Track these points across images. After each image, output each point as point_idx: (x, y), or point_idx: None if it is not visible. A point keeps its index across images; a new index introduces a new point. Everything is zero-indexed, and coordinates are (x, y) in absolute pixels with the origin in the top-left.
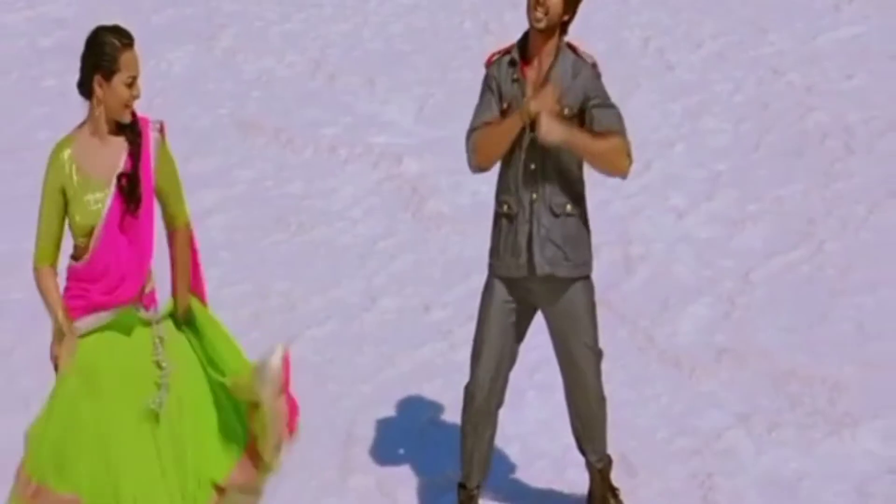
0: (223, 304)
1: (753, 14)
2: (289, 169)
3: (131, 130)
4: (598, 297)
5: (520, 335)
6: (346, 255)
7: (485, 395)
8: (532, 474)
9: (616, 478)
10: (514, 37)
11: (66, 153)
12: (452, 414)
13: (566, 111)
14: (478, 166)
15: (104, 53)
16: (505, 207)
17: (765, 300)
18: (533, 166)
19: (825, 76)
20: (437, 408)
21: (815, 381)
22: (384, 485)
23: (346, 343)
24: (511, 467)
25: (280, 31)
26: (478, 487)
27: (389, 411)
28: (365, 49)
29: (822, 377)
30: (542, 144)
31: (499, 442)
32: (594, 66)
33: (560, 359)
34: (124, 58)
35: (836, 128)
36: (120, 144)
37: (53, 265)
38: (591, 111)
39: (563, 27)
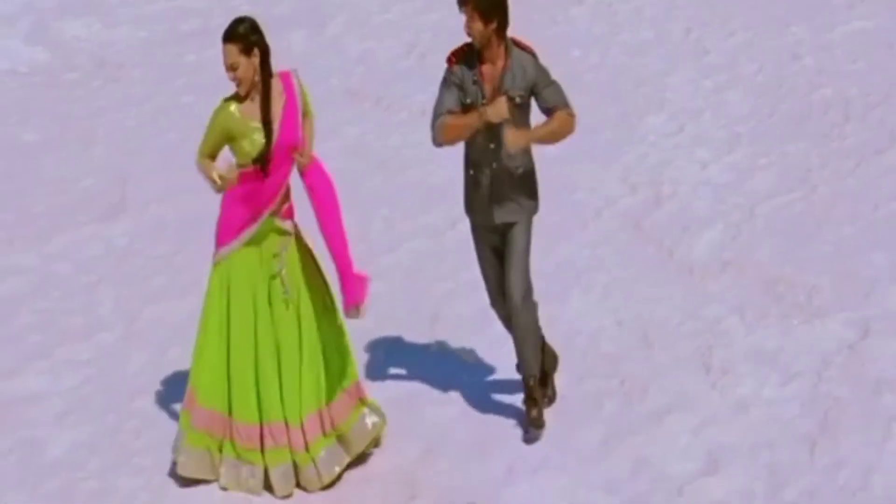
0: None
1: (780, 10)
2: (387, 127)
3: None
4: (632, 223)
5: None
6: (432, 191)
7: (500, 305)
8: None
9: (634, 348)
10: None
11: (233, 106)
12: None
13: (518, 99)
14: (440, 145)
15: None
16: (472, 172)
17: (764, 228)
18: (492, 145)
19: (834, 60)
20: None
21: (797, 285)
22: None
23: (433, 255)
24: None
25: (380, 20)
26: (534, 377)
27: (465, 305)
28: (450, 34)
29: (803, 283)
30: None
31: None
32: (534, 55)
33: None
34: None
35: (838, 101)
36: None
37: None
38: (539, 94)
39: (500, 31)
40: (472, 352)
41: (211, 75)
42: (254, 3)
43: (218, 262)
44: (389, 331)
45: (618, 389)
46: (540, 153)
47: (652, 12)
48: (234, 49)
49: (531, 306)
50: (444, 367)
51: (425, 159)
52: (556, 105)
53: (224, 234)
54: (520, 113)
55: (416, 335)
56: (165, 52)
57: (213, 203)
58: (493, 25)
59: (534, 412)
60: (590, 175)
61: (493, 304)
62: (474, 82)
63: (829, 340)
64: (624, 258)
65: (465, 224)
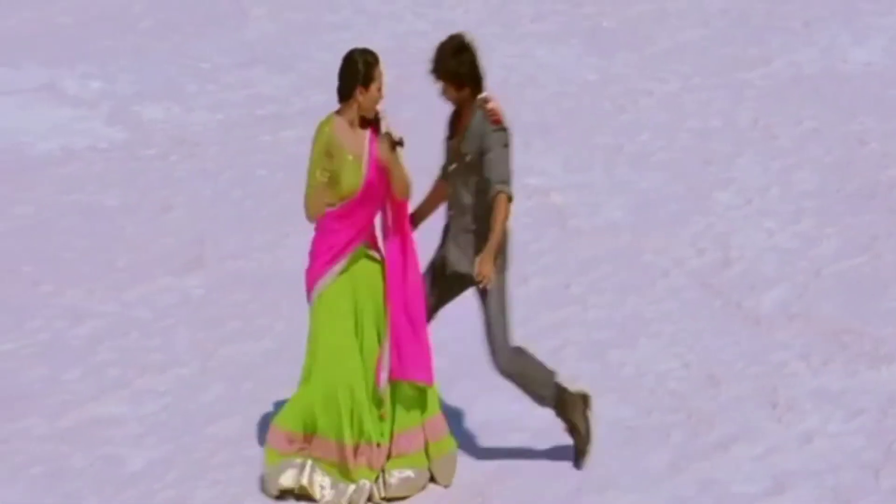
0: None
1: (846, 102)
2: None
3: (374, 121)
4: (699, 282)
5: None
6: None
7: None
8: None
9: (700, 387)
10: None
11: (327, 128)
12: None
13: (468, 157)
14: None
15: (361, 69)
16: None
17: (831, 287)
18: (451, 192)
19: None
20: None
21: (863, 336)
22: None
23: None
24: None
25: None
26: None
27: (536, 347)
28: (522, 123)
29: (869, 334)
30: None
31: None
32: (495, 122)
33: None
34: (377, 71)
35: None
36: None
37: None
38: (484, 160)
39: (474, 94)
40: None
41: (286, 154)
42: (329, 93)
43: (319, 295)
44: (465, 369)
45: (685, 422)
46: (604, 222)
47: (720, 104)
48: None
49: (517, 360)
50: (518, 401)
51: None
52: (488, 178)
53: (318, 266)
54: (468, 170)
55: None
56: (241, 133)
57: (287, 259)
58: (466, 91)
59: (576, 440)
60: (657, 241)
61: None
62: (448, 138)
63: (895, 384)
64: (691, 311)
65: (536, 279)
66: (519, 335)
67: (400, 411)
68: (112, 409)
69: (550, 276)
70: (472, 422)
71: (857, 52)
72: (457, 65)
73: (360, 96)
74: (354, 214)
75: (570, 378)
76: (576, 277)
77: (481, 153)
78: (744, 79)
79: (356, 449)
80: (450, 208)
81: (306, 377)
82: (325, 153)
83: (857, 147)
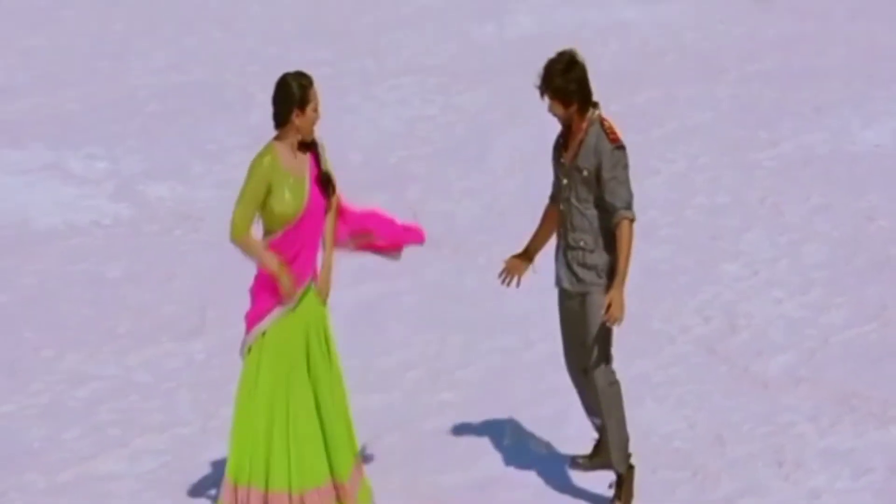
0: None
1: (855, 181)
2: (465, 269)
3: (313, 146)
4: (706, 348)
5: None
6: (507, 319)
7: (569, 366)
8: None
9: (706, 445)
10: None
11: (267, 159)
12: None
13: (585, 172)
14: None
15: (296, 91)
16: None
17: (839, 353)
18: (562, 208)
19: None
20: None
21: (871, 399)
22: None
23: (509, 370)
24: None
25: (460, 186)
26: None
27: (541, 408)
28: (529, 200)
29: (877, 397)
30: None
31: None
32: (614, 140)
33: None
34: (311, 92)
35: None
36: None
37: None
38: (600, 179)
39: (581, 110)
40: (548, 444)
41: None
42: (339, 171)
43: (262, 332)
44: (464, 429)
45: (690, 479)
46: None
47: (728, 182)
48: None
49: (615, 393)
50: (520, 457)
51: (502, 293)
52: (611, 203)
53: (262, 303)
54: (583, 186)
55: (493, 431)
56: None
57: None
58: (574, 107)
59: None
60: (664, 309)
61: (566, 365)
62: (560, 162)
63: None
64: (698, 375)
65: (542, 344)
66: (525, 397)
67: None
68: (111, 467)
69: (556, 341)
70: (473, 479)
71: (866, 134)
72: (565, 82)
73: (296, 119)
74: (297, 240)
75: (576, 437)
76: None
77: (599, 171)
78: (752, 159)
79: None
80: (560, 225)
81: (246, 422)
82: (265, 184)
83: (865, 223)
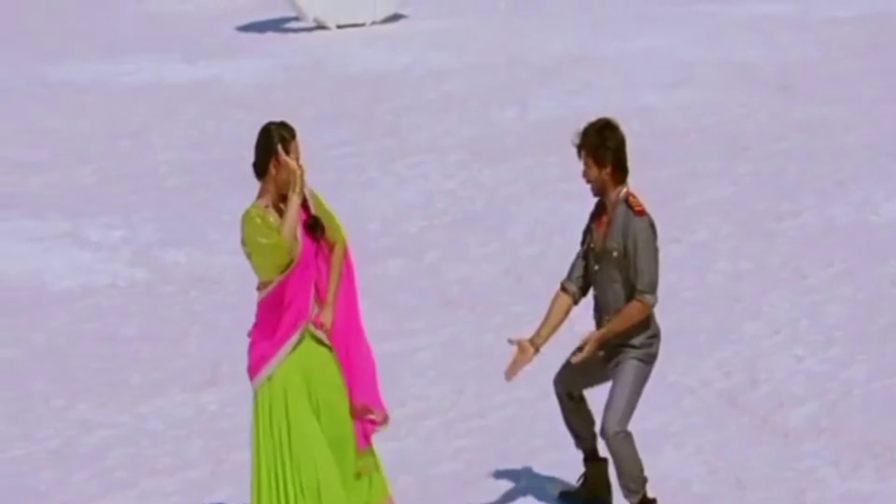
0: None
1: (877, 246)
2: (482, 328)
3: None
4: (727, 400)
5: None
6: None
7: (560, 389)
8: None
9: (726, 490)
10: None
11: (255, 210)
12: None
13: (615, 253)
14: None
15: (276, 142)
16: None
17: (861, 405)
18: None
19: None
20: None
21: (894, 447)
22: None
23: (525, 419)
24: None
25: (478, 252)
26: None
27: (557, 453)
28: (549, 265)
29: None
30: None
31: None
32: (639, 212)
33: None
34: (293, 145)
35: None
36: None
37: None
38: (630, 258)
39: (615, 177)
40: (564, 488)
41: None
42: (357, 238)
43: (261, 385)
44: (480, 473)
45: None
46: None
47: (749, 250)
48: None
49: (625, 440)
50: (536, 501)
51: None
52: (634, 281)
53: (264, 349)
54: (617, 269)
55: (509, 475)
56: None
57: None
58: (608, 170)
59: None
60: (683, 364)
61: (556, 383)
62: (589, 230)
63: None
64: (717, 424)
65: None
66: (541, 443)
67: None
68: None
69: None
70: None
71: (889, 206)
72: (601, 139)
73: (273, 169)
74: (290, 288)
75: None
76: (600, 394)
77: (626, 248)
78: (774, 228)
79: None
80: (596, 310)
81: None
82: (259, 231)
83: (888, 287)
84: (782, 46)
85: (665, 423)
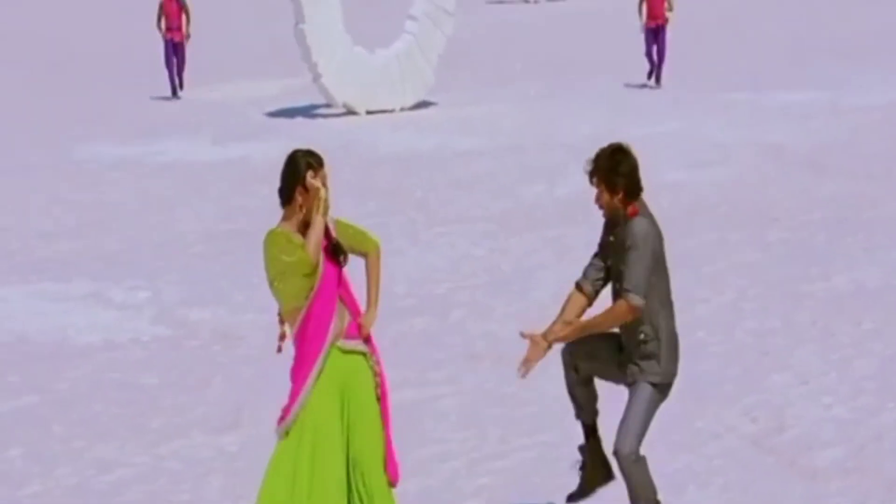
0: None
1: None
2: (506, 378)
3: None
4: (753, 443)
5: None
6: (546, 416)
7: (572, 368)
8: None
9: None
10: None
11: (278, 231)
12: None
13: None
14: None
15: (302, 169)
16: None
17: (890, 449)
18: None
19: None
20: None
21: None
22: None
23: (547, 461)
24: None
25: (502, 311)
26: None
27: None
28: None
29: None
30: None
31: None
32: (633, 216)
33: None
34: (321, 173)
35: None
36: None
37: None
38: (625, 256)
39: (626, 201)
40: None
41: None
42: (382, 299)
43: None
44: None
45: None
46: None
47: (778, 310)
48: None
49: (637, 463)
50: None
51: (543, 395)
52: (622, 279)
53: (299, 381)
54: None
55: None
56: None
57: None
58: (619, 196)
59: None
60: (710, 411)
61: (564, 352)
62: (602, 243)
63: None
64: (743, 466)
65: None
66: (564, 482)
67: None
68: None
69: None
70: None
71: None
72: (613, 164)
73: (300, 196)
74: (317, 312)
75: None
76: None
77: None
78: (803, 290)
79: None
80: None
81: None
82: (283, 249)
83: None
84: (812, 130)
85: (689, 465)
